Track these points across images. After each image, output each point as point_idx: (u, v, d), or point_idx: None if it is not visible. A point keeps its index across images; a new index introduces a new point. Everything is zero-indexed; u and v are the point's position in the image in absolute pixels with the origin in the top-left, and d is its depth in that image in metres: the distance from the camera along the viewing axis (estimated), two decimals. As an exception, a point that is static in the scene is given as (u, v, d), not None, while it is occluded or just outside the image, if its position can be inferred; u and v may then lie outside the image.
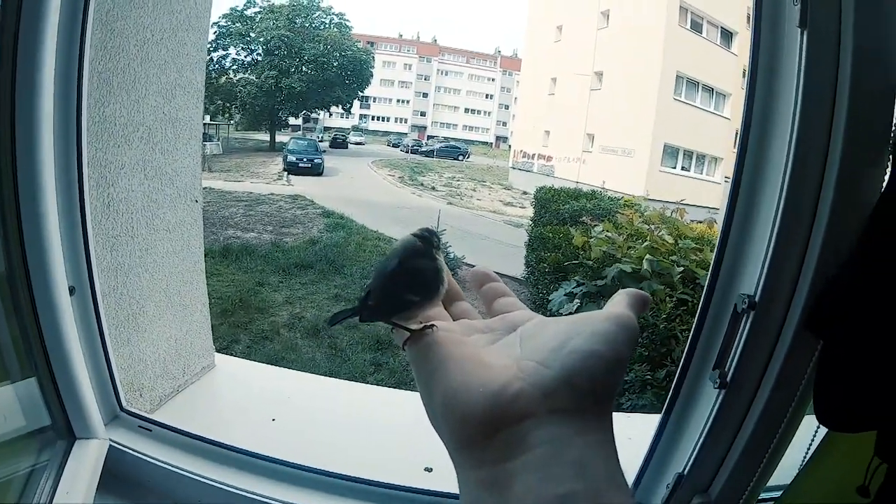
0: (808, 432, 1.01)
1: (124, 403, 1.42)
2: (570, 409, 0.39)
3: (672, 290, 4.29)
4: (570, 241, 6.01)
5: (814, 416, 0.91)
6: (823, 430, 0.97)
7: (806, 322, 0.95)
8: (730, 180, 1.05)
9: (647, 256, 4.44)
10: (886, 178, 0.91)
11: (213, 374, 1.77)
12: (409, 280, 0.52)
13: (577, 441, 0.37)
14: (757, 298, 0.98)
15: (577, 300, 4.59)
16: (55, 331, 1.22)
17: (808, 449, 1.02)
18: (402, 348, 0.50)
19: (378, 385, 6.00)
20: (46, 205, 1.15)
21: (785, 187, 0.93)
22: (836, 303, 0.91)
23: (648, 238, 4.69)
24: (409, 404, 1.69)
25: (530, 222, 10.69)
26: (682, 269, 4.45)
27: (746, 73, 1.03)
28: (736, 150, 1.04)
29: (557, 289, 4.96)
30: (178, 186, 1.59)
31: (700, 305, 1.11)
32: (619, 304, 0.46)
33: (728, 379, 1.03)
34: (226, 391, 1.78)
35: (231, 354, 7.24)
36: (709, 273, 1.09)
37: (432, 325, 0.50)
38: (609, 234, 4.89)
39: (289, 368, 6.65)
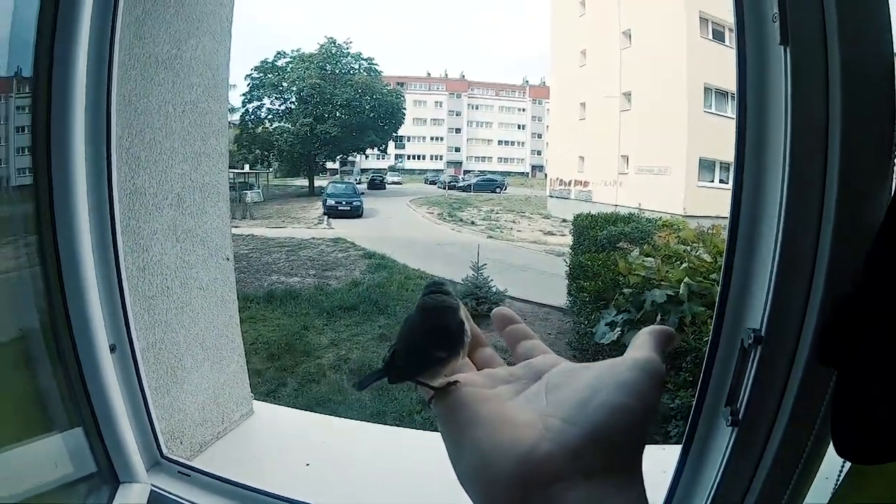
0: (834, 465, 0.96)
1: (165, 450, 1.49)
2: (599, 468, 0.38)
3: (713, 310, 4.20)
4: (608, 267, 5.96)
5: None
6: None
7: (817, 354, 0.92)
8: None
9: (686, 280, 4.37)
10: (891, 194, 0.85)
11: (252, 421, 1.83)
12: (435, 338, 0.51)
13: (608, 502, 0.37)
14: (763, 332, 0.96)
15: (618, 328, 4.53)
16: (98, 384, 1.32)
17: (837, 481, 0.96)
18: (429, 405, 0.51)
19: (425, 422, 5.97)
20: (86, 272, 1.26)
21: (783, 213, 0.91)
22: (847, 331, 0.86)
23: (686, 259, 4.62)
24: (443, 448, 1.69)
25: (570, 251, 10.61)
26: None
27: (735, 95, 1.02)
28: (731, 182, 1.02)
29: (599, 317, 4.90)
30: (209, 247, 1.68)
31: (709, 341, 1.08)
32: (643, 345, 0.46)
33: (740, 416, 1.00)
34: (264, 437, 1.83)
35: (278, 398, 7.39)
36: (715, 308, 1.07)
37: (455, 382, 0.50)
38: (646, 260, 4.83)
39: (336, 410, 6.76)
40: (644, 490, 0.39)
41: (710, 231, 5.05)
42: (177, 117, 1.58)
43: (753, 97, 0.98)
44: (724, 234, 5.40)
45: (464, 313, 0.54)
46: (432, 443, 1.79)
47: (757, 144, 0.98)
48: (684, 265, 4.61)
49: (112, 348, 1.36)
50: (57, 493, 1.32)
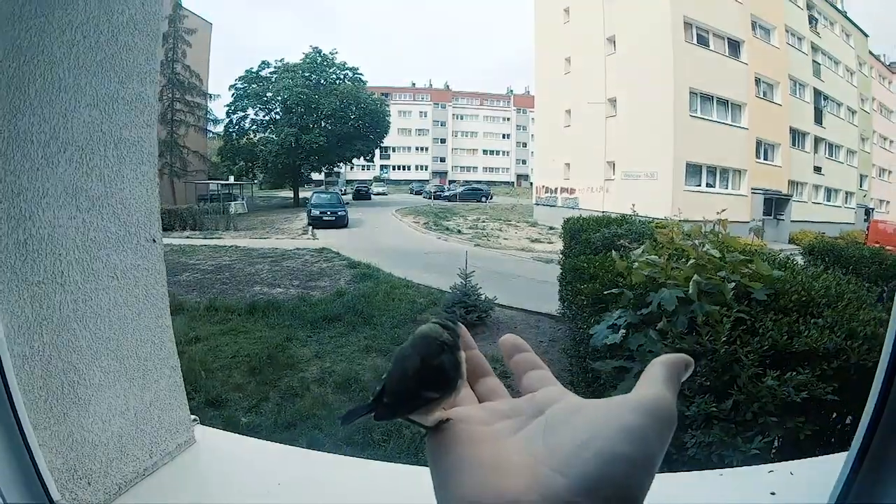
0: None
1: (56, 496, 1.08)
2: None
3: (727, 308, 3.84)
4: (607, 269, 5.62)
5: None
6: None
7: None
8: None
9: (695, 277, 4.02)
10: None
11: (192, 452, 1.43)
12: (429, 377, 0.49)
13: None
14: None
15: (622, 331, 4.17)
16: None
17: None
18: (423, 440, 0.50)
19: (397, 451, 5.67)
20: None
21: None
22: None
23: (693, 255, 4.27)
24: (407, 479, 1.35)
25: (561, 256, 10.34)
26: (733, 284, 4.02)
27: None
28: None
29: (598, 322, 4.53)
30: (127, 222, 1.27)
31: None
32: (654, 380, 0.43)
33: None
34: (208, 473, 1.42)
35: (260, 413, 7.03)
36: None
37: (448, 420, 0.48)
38: (650, 257, 4.47)
39: (320, 424, 6.41)
40: None
41: (716, 226, 4.70)
42: (87, 49, 1.19)
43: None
44: (730, 230, 5.11)
45: (461, 354, 0.53)
46: (399, 473, 1.47)
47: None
48: (692, 261, 4.25)
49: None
50: None
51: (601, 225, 9.64)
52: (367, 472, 1.42)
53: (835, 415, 3.66)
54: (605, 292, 4.75)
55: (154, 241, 1.37)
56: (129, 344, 1.28)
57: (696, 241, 4.23)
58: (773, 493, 1.20)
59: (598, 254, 7.24)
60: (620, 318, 4.32)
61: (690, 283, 4.02)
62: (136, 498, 1.26)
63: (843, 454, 1.04)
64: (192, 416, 1.53)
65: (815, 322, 3.80)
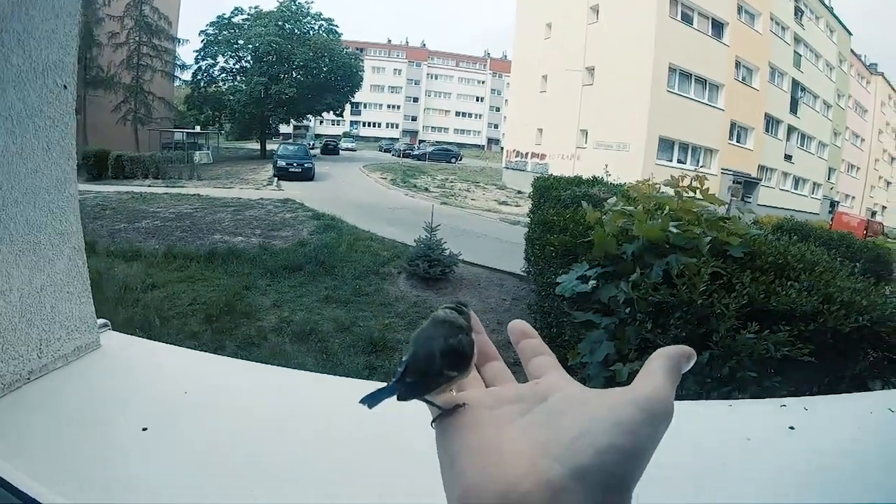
0: None
1: None
2: None
3: (702, 263, 3.71)
4: (577, 222, 5.45)
5: None
6: None
7: None
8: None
9: (672, 227, 3.87)
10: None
11: (94, 359, 1.19)
12: (450, 356, 0.51)
13: None
14: None
15: (592, 282, 4.01)
16: None
17: None
18: (432, 425, 0.51)
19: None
20: None
21: None
22: None
23: (671, 206, 4.12)
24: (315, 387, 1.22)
25: (529, 214, 10.17)
26: (709, 239, 3.89)
27: None
28: None
29: (568, 271, 4.37)
30: (34, 58, 0.99)
31: None
32: (654, 373, 0.45)
33: None
34: (106, 380, 1.17)
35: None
36: None
37: (463, 405, 0.50)
38: (624, 207, 4.31)
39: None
40: None
41: (693, 182, 4.54)
42: None
43: None
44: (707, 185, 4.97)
45: (475, 322, 0.57)
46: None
47: None
48: (667, 212, 4.10)
49: None
50: None
51: (572, 184, 9.46)
52: (280, 380, 1.22)
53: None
54: (578, 240, 4.59)
55: (66, 87, 1.11)
56: (18, 207, 1.02)
57: (675, 191, 4.09)
58: (791, 428, 1.03)
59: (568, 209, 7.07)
60: (592, 270, 4.16)
61: (668, 233, 3.88)
62: (12, 404, 1.02)
63: (860, 394, 0.91)
64: (102, 320, 1.29)
65: (791, 284, 3.74)
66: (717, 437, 1.05)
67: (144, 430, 0.95)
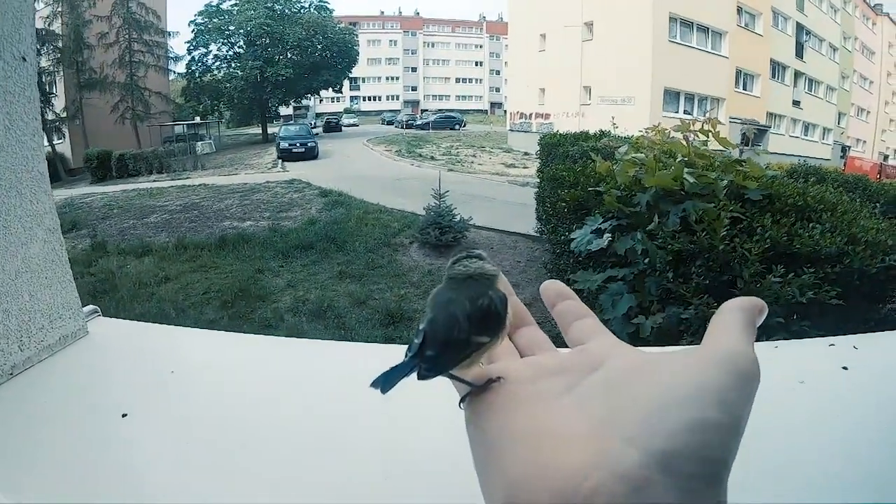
0: None
1: None
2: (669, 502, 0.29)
3: (721, 208, 3.60)
4: (588, 175, 5.33)
5: None
6: None
7: None
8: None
9: (686, 173, 3.74)
10: None
11: (81, 347, 1.11)
12: (480, 319, 0.42)
13: None
14: None
15: (607, 235, 3.90)
16: None
17: None
18: (460, 404, 0.43)
19: None
20: None
21: None
22: None
23: (683, 151, 3.98)
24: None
25: (538, 173, 10.04)
26: (726, 182, 3.76)
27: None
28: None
29: (582, 225, 4.26)
30: None
31: None
32: (731, 327, 0.37)
33: None
34: (94, 368, 1.09)
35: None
36: None
37: (499, 378, 0.42)
38: (635, 155, 4.17)
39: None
40: None
41: (705, 125, 4.39)
42: None
43: None
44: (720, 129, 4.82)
45: (503, 284, 0.46)
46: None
47: None
48: (680, 159, 3.97)
49: None
50: None
51: (579, 139, 9.30)
52: (292, 350, 1.14)
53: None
54: (590, 188, 4.48)
55: (24, 59, 1.02)
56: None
57: (687, 135, 3.95)
58: (844, 368, 0.94)
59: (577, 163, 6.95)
60: (606, 223, 4.05)
61: (683, 180, 3.76)
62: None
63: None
64: (91, 306, 1.21)
65: (813, 226, 3.64)
66: (768, 382, 0.95)
67: (124, 416, 0.87)
